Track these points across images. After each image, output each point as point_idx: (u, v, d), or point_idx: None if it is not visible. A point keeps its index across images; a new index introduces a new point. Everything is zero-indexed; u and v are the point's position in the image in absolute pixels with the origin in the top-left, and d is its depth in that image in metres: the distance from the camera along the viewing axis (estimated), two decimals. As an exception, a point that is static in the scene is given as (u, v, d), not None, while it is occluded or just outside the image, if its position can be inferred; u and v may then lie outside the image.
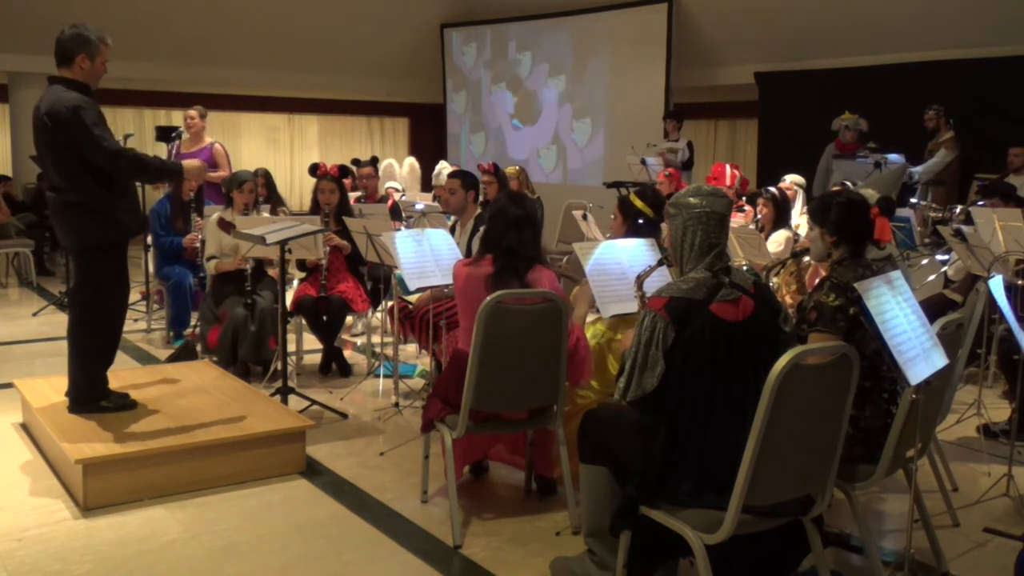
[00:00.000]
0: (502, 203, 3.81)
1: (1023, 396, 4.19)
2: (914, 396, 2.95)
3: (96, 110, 4.17)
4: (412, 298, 5.50)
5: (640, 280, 3.22)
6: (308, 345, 6.31)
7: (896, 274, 3.03)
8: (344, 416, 5.11)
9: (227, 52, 12.32)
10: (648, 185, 4.30)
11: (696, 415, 2.72)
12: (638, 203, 4.21)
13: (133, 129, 13.62)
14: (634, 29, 11.81)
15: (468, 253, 5.09)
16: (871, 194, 3.86)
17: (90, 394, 4.39)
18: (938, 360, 2.92)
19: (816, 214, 3.40)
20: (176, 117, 12.82)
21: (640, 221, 4.21)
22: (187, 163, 4.55)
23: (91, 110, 4.12)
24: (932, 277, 5.06)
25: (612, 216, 4.42)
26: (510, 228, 3.71)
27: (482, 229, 3.96)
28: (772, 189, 6.33)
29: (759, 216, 6.25)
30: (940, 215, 7.49)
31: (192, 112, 7.73)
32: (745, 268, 3.55)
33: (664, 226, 3.06)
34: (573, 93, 12.73)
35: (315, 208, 6.04)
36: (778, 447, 2.57)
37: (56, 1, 10.66)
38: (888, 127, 9.00)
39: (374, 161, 8.27)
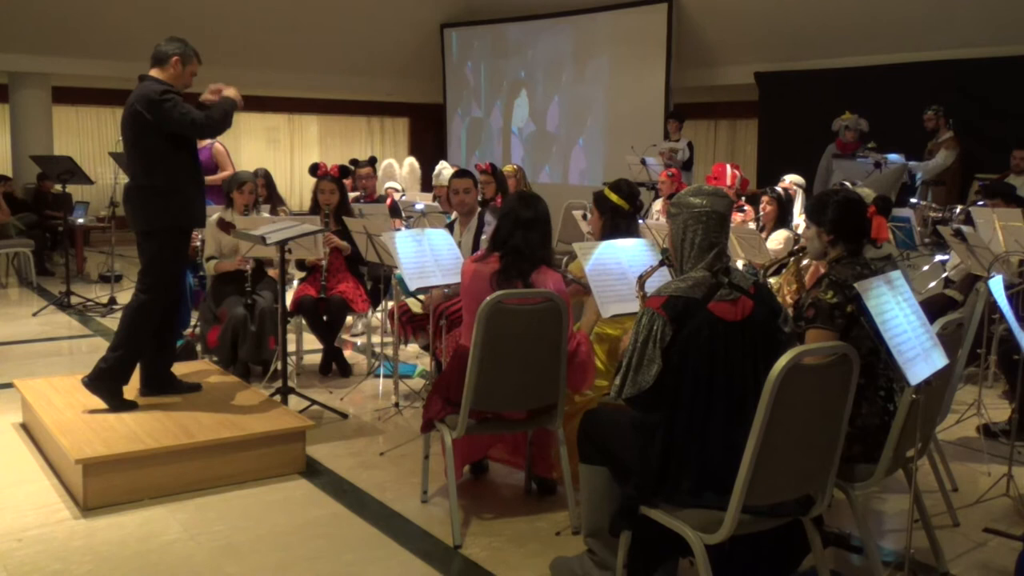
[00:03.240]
0: (513, 204, 3.85)
1: (1023, 396, 4.19)
2: (914, 396, 2.95)
3: (182, 100, 4.46)
4: (413, 301, 5.50)
5: (642, 280, 3.22)
6: (308, 345, 6.31)
7: (896, 274, 3.03)
8: (344, 416, 5.11)
9: (227, 52, 12.28)
10: (622, 180, 4.27)
11: (695, 414, 2.72)
12: (613, 197, 4.18)
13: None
14: (634, 29, 11.81)
15: (477, 248, 5.14)
16: (868, 193, 3.85)
17: (113, 375, 4.43)
18: (938, 360, 2.91)
19: (813, 213, 3.39)
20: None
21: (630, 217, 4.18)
22: (229, 93, 4.78)
23: (178, 97, 4.44)
24: (933, 284, 5.07)
25: (589, 213, 4.39)
26: (518, 228, 3.74)
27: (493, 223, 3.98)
28: (777, 188, 6.33)
29: (761, 214, 6.24)
30: (940, 215, 7.50)
31: None
32: (743, 268, 3.54)
33: (643, 223, 3.04)
34: (573, 93, 12.73)
35: (315, 208, 6.04)
36: (778, 447, 2.57)
37: (55, 1, 10.67)
38: (888, 127, 9.00)
39: (372, 161, 8.25)
